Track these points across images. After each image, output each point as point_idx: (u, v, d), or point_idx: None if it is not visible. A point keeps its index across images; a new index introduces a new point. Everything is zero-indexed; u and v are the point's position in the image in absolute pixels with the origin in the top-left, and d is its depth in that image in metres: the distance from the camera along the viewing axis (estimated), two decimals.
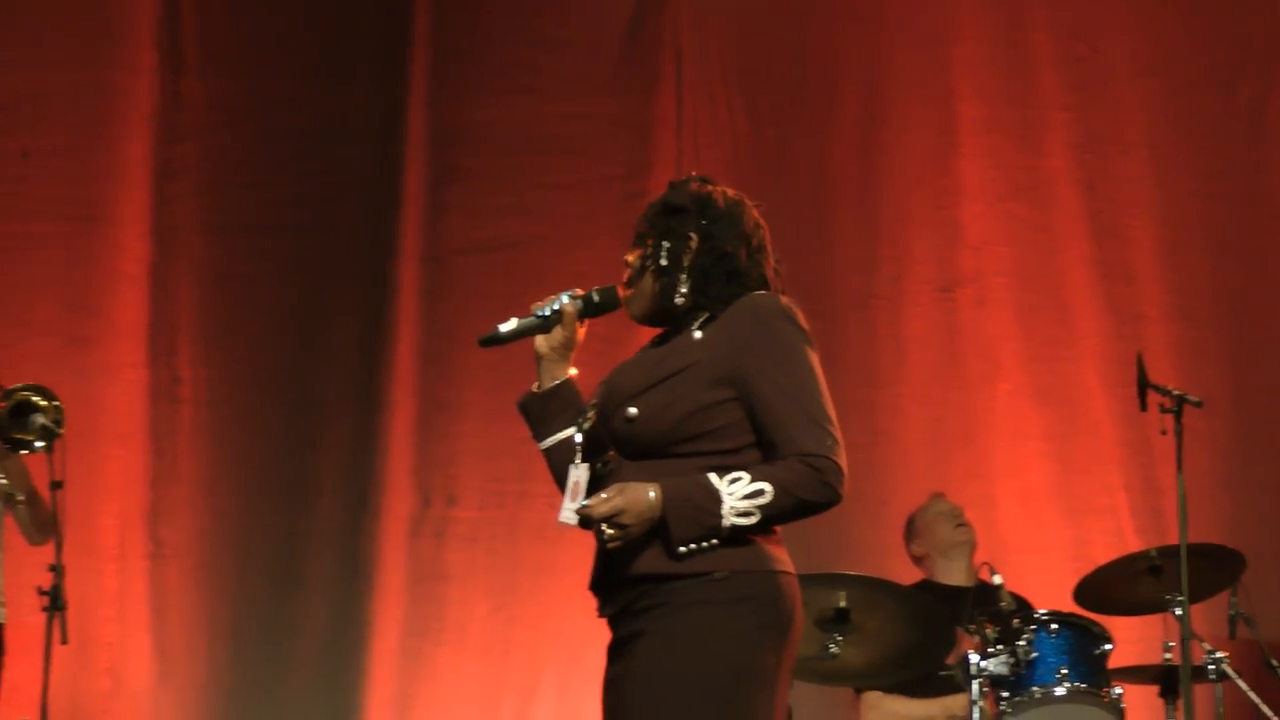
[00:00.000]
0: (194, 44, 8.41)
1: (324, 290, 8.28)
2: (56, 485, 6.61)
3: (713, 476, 3.96)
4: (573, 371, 4.30)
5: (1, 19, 8.37)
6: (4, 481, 6.85)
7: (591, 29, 8.41)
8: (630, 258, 4.25)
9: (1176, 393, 6.56)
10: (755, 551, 3.99)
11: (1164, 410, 6.57)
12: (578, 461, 4.13)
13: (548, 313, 4.26)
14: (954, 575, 7.10)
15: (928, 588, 7.01)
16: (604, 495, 3.94)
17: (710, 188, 4.29)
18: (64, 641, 6.58)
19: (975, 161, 8.27)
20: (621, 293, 4.27)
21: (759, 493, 3.94)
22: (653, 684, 3.95)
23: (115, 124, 8.36)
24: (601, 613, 4.12)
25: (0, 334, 7.54)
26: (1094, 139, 8.31)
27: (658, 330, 4.29)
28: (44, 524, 6.93)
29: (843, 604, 6.23)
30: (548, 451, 4.26)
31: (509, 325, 4.28)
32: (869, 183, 8.31)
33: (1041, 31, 8.36)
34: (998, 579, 6.52)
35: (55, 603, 6.58)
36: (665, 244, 4.19)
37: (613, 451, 4.13)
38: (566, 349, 4.29)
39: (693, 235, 4.19)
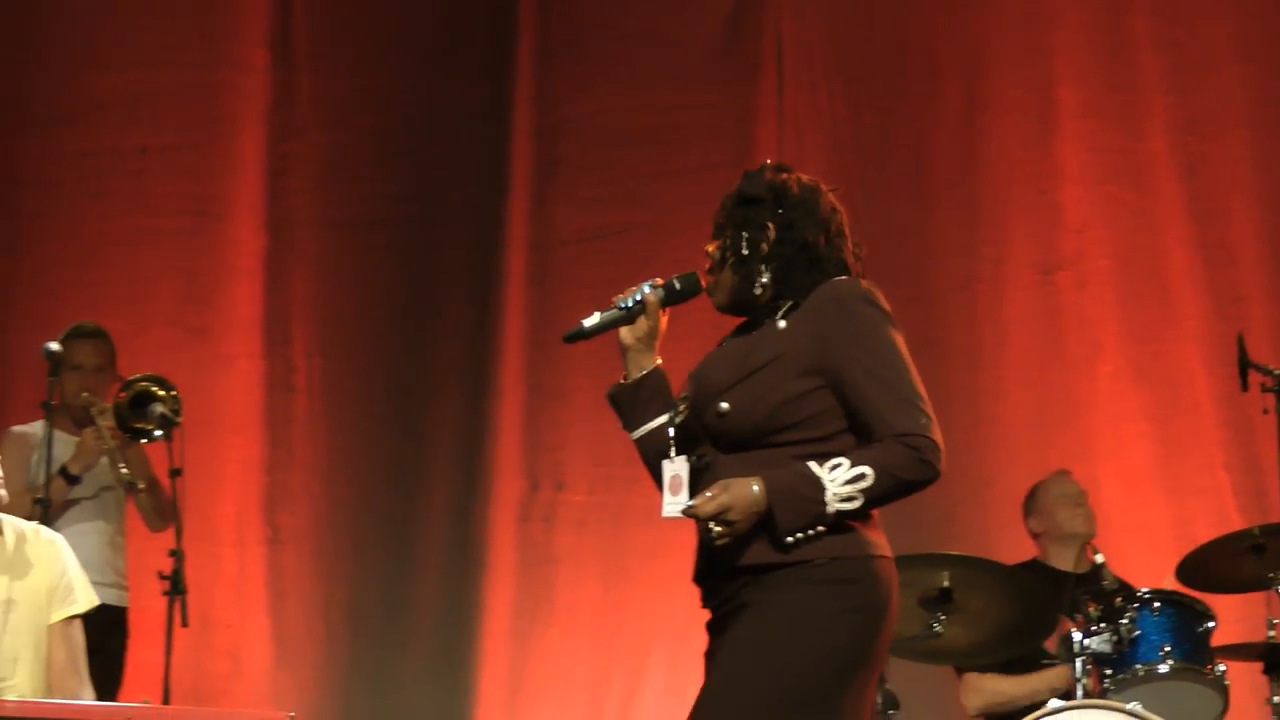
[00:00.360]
0: (305, 41, 8.50)
1: (433, 281, 8.35)
2: (176, 473, 6.70)
3: (813, 465, 3.97)
4: (658, 360, 4.28)
5: (118, 20, 8.46)
6: (125, 470, 6.94)
7: (693, 21, 8.43)
8: (710, 248, 4.24)
9: (1277, 372, 6.54)
10: (854, 538, 4.02)
11: (1265, 390, 6.55)
12: (673, 455, 4.14)
13: (630, 304, 4.24)
14: (1065, 560, 7.02)
15: (1035, 567, 6.96)
16: (709, 494, 3.95)
17: (785, 175, 4.26)
18: (184, 624, 6.66)
19: (1075, 145, 8.24)
20: (703, 280, 4.26)
21: (860, 477, 3.96)
22: (749, 658, 3.97)
23: (230, 121, 8.45)
24: (705, 605, 4.14)
25: (120, 326, 7.59)
26: (1194, 122, 8.26)
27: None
28: (164, 511, 7.02)
29: (946, 584, 6.26)
30: (639, 441, 4.25)
31: (592, 320, 4.27)
32: (970, 167, 8.30)
33: (1140, 16, 8.31)
34: (1100, 558, 6.52)
35: (176, 587, 6.65)
36: (744, 234, 4.18)
37: (707, 445, 4.14)
38: (651, 338, 4.27)
39: (770, 225, 4.18)
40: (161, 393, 6.88)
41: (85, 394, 6.91)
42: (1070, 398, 8.11)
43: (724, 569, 4.04)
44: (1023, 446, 7.99)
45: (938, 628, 6.24)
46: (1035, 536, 7.15)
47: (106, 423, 6.88)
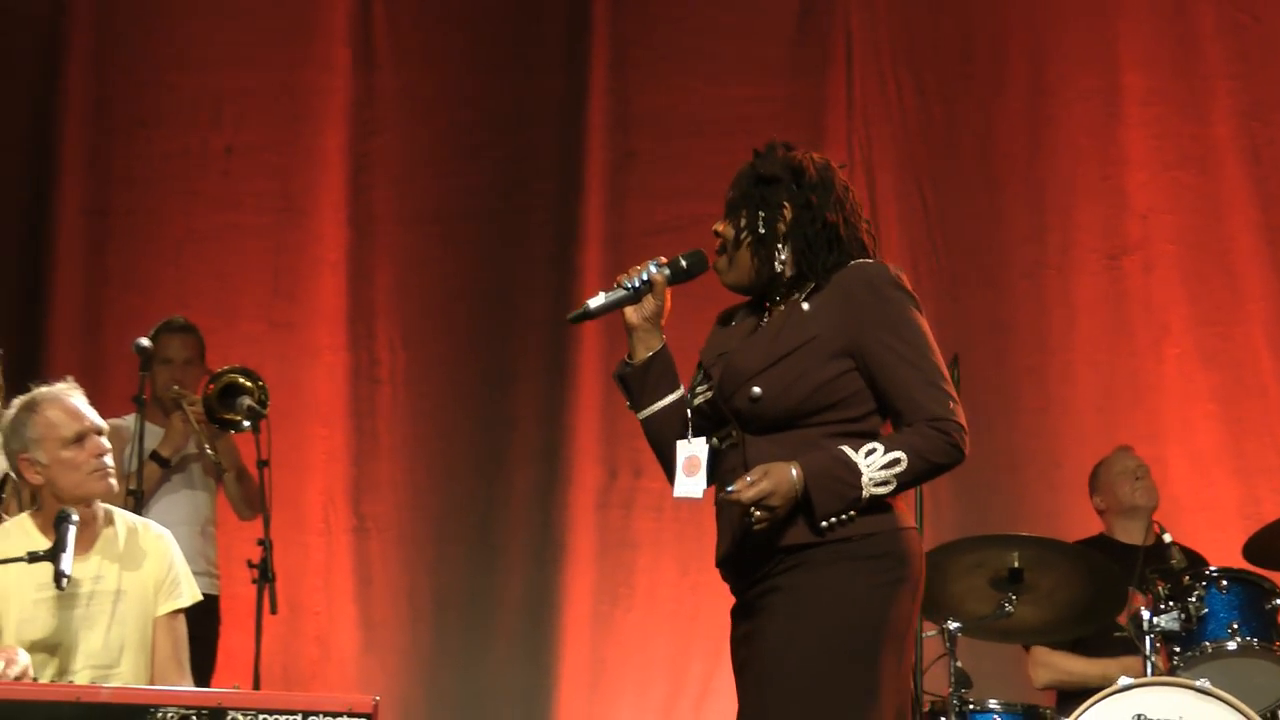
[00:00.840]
0: (385, 41, 8.54)
1: (512, 272, 8.37)
2: (263, 464, 6.75)
3: (848, 449, 4.01)
4: (664, 339, 4.28)
5: (204, 23, 8.55)
6: (212, 452, 7.02)
7: (764, 15, 8.43)
8: (720, 227, 4.22)
9: None
10: (887, 513, 4.08)
11: None
12: (690, 437, 4.16)
13: (637, 284, 4.23)
14: (1130, 534, 7.04)
15: (1102, 543, 6.99)
16: (750, 479, 3.96)
17: (799, 154, 4.25)
18: (273, 611, 6.69)
19: (1141, 131, 8.22)
20: (711, 260, 4.25)
21: (895, 462, 4.02)
22: (793, 639, 4.01)
23: (313, 119, 8.52)
24: (734, 586, 4.16)
25: (208, 321, 7.67)
26: (1259, 107, 8.22)
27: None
28: (252, 500, 7.11)
29: (1016, 564, 6.31)
30: (647, 420, 4.27)
31: (598, 300, 4.25)
32: (1037, 154, 8.28)
33: (1204, 2, 8.29)
34: (1168, 537, 6.54)
35: (265, 575, 6.69)
36: (760, 214, 4.16)
37: (732, 426, 4.14)
38: (658, 318, 4.26)
39: (787, 204, 4.17)
40: (249, 384, 6.96)
41: (175, 387, 7.01)
42: (1138, 380, 8.10)
43: (757, 551, 4.07)
44: (1091, 428, 7.96)
45: (1009, 607, 6.27)
46: (1100, 513, 7.18)
47: (195, 410, 6.98)
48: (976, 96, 8.37)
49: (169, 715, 4.27)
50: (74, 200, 8.45)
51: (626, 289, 4.24)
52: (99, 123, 8.53)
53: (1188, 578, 6.32)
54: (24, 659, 4.62)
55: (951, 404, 4.13)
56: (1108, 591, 6.39)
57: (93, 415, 5.12)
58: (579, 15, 8.50)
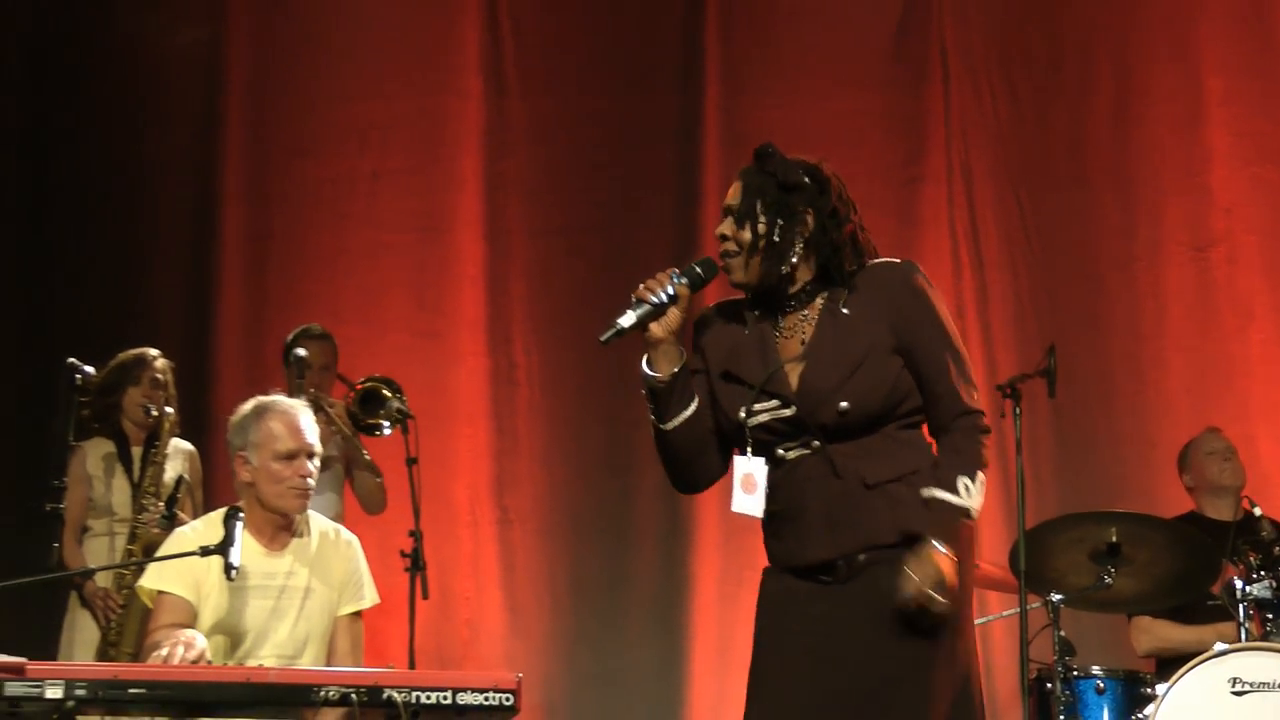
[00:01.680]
0: (513, 69, 8.60)
1: (635, 281, 8.35)
2: (411, 461, 6.85)
3: (947, 495, 4.00)
4: (682, 351, 4.13)
5: (350, 59, 8.64)
6: (346, 434, 7.11)
7: (864, 32, 8.41)
8: (727, 230, 4.09)
9: None
10: None
11: None
12: (750, 455, 4.05)
13: (664, 298, 4.06)
14: (1220, 511, 6.98)
15: (1194, 520, 6.92)
16: (916, 578, 3.91)
17: (808, 160, 4.15)
18: (425, 597, 6.80)
19: (1222, 130, 8.14)
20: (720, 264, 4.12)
21: (982, 482, 4.06)
22: (893, 625, 3.99)
23: (450, 143, 8.59)
24: (825, 579, 4.05)
25: (359, 332, 7.76)
26: None
27: None
28: (380, 498, 7.27)
29: (1114, 539, 6.28)
30: (671, 432, 4.11)
31: (628, 319, 4.05)
32: (1124, 155, 8.21)
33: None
34: (1258, 510, 6.47)
35: (416, 564, 6.79)
36: (780, 221, 4.05)
37: (810, 439, 4.04)
38: (680, 330, 4.10)
39: (810, 212, 4.07)
40: (389, 393, 7.05)
41: (312, 390, 7.05)
42: (1226, 364, 8.02)
43: (851, 549, 4.04)
44: (1183, 410, 7.89)
45: (1108, 580, 6.25)
46: (1190, 490, 7.12)
47: (337, 412, 7.06)
48: (1066, 102, 8.31)
49: (330, 694, 4.29)
50: (236, 225, 8.57)
51: (653, 304, 4.07)
52: (256, 153, 8.64)
53: (1278, 549, 6.25)
54: (201, 643, 4.68)
55: (977, 394, 4.14)
56: (1201, 563, 6.36)
57: (311, 438, 5.14)
58: (693, 39, 8.51)
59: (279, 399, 5.23)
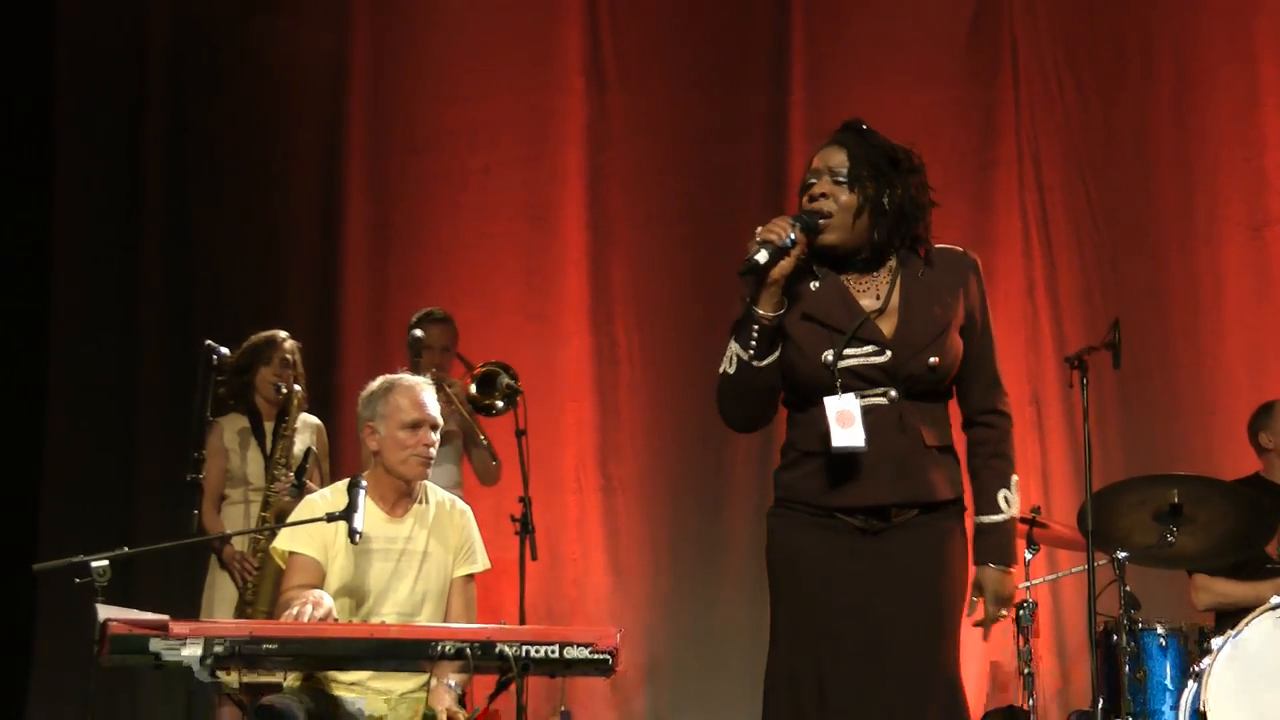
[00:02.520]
0: (613, 67, 8.60)
1: (729, 265, 8.34)
2: (521, 433, 6.89)
3: (1004, 512, 4.09)
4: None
5: (461, 63, 8.67)
6: (477, 427, 7.17)
7: (939, 28, 8.34)
8: (826, 190, 4.02)
9: None
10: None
11: None
12: (841, 393, 3.97)
13: (788, 242, 3.94)
14: None
15: (1256, 482, 6.82)
16: (989, 606, 4.07)
17: (896, 144, 4.13)
18: (534, 558, 6.81)
19: (1277, 116, 8.03)
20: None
21: (1015, 483, 4.15)
22: (930, 585, 4.02)
23: (555, 139, 8.61)
24: (865, 527, 4.02)
25: (473, 315, 7.79)
26: None
27: None
28: (494, 472, 7.28)
29: (1176, 500, 6.22)
30: (762, 369, 3.99)
31: (763, 255, 3.92)
32: (1184, 140, 8.12)
33: None
34: None
35: (525, 527, 6.81)
36: (887, 191, 4.03)
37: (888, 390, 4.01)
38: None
39: (899, 186, 4.05)
40: (503, 375, 7.09)
41: (434, 369, 7.10)
42: None
43: (910, 499, 4.03)
44: (1241, 379, 7.81)
45: (1170, 539, 6.19)
46: (1264, 451, 6.94)
47: (455, 391, 7.12)
48: (1129, 91, 8.22)
49: (447, 648, 4.34)
50: (358, 217, 8.64)
51: (780, 246, 3.94)
52: (377, 150, 8.70)
53: None
54: (328, 602, 4.73)
55: (1003, 381, 4.21)
56: (1259, 523, 6.31)
57: (433, 411, 5.20)
58: (779, 38, 8.47)
59: (405, 376, 5.31)
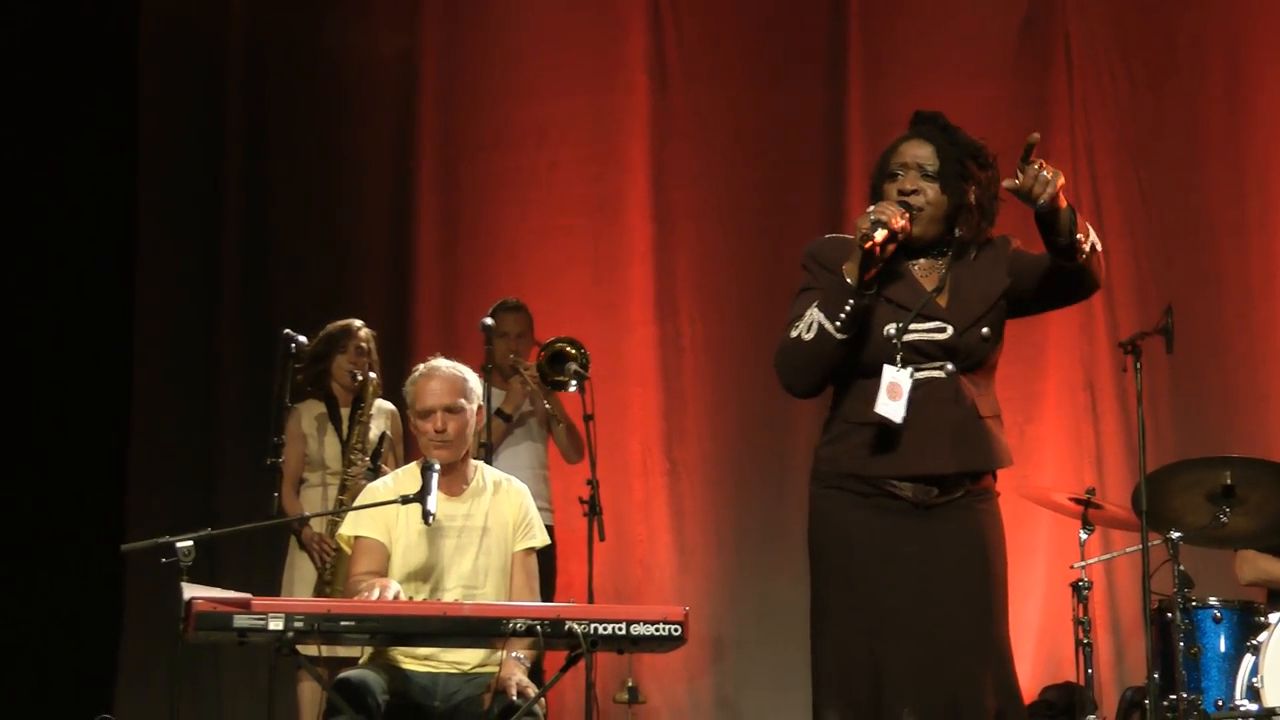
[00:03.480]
0: (676, 64, 8.57)
1: (790, 258, 8.27)
2: (589, 418, 6.85)
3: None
4: None
5: (529, 63, 8.66)
6: (549, 405, 7.16)
7: (992, 23, 8.26)
8: (915, 186, 4.00)
9: None
10: None
11: None
12: (900, 365, 3.95)
13: (900, 225, 3.92)
14: None
15: None
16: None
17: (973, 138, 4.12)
18: (601, 539, 6.77)
19: None
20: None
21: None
22: (981, 565, 3.99)
23: (620, 135, 8.58)
24: (928, 500, 3.98)
25: (542, 305, 7.76)
26: None
27: None
28: (578, 447, 7.22)
29: (1229, 481, 6.15)
30: (843, 341, 3.94)
31: (880, 233, 3.88)
32: (1235, 133, 7.99)
33: None
34: None
35: (593, 509, 6.78)
36: (967, 187, 4.02)
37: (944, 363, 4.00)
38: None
39: (974, 183, 4.04)
40: (573, 351, 7.06)
41: (511, 355, 7.16)
42: None
43: (968, 468, 4.00)
44: None
45: (1223, 518, 6.12)
46: None
47: (530, 373, 7.11)
48: (1180, 84, 8.10)
49: (518, 626, 4.36)
50: (430, 212, 8.65)
51: (894, 230, 3.91)
52: (447, 148, 8.71)
53: None
54: (395, 588, 4.75)
55: None
56: None
57: (444, 396, 5.15)
58: (837, 35, 8.41)
59: (433, 363, 5.31)
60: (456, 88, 8.73)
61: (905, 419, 3.93)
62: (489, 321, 6.95)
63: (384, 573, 5.00)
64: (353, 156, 8.77)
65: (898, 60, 8.34)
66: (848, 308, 3.93)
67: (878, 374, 3.96)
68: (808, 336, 3.98)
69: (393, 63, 8.79)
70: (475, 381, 5.28)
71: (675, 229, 8.50)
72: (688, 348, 8.42)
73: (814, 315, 3.98)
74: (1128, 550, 6.70)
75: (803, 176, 8.43)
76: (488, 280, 8.38)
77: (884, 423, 3.92)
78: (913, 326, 3.98)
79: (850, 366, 4.03)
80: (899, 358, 3.95)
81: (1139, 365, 6.00)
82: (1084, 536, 6.67)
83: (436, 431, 5.13)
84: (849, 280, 3.93)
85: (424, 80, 8.72)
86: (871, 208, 3.96)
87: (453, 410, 5.15)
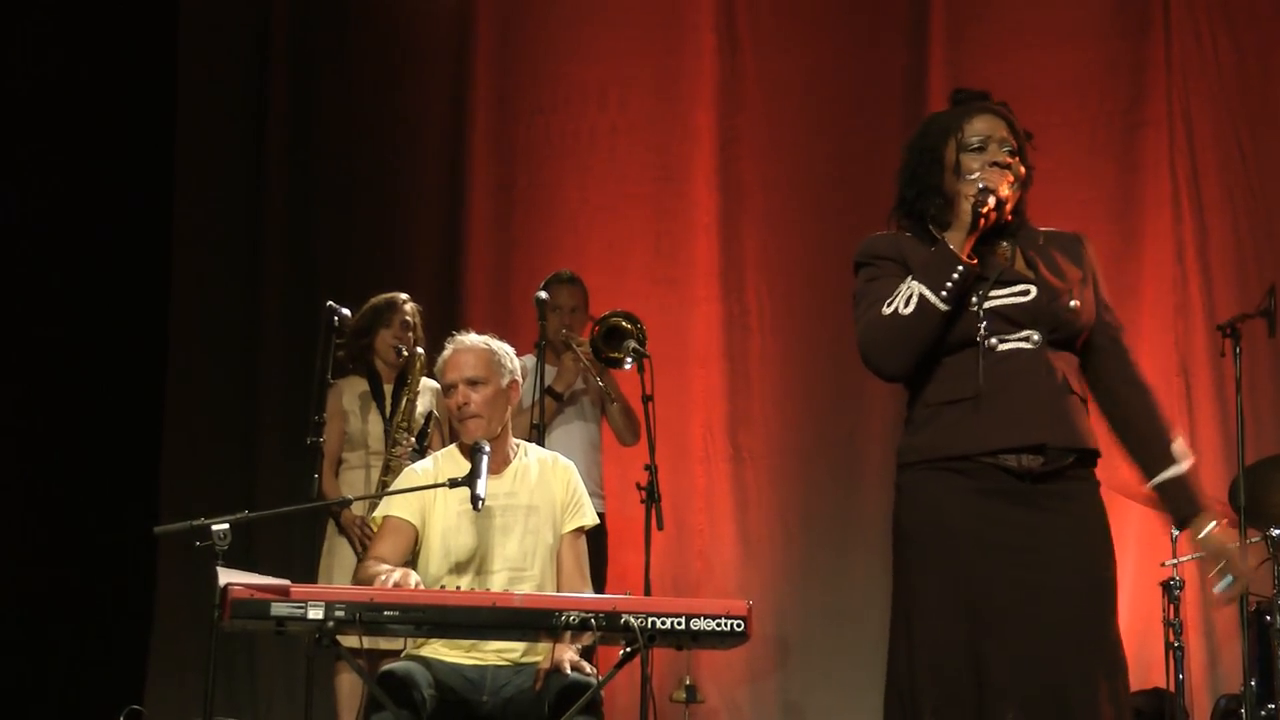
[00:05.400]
0: (746, 26, 8.55)
1: (865, 233, 8.18)
2: (647, 399, 6.81)
3: (1183, 466, 4.05)
4: None
5: (590, 22, 8.68)
6: (602, 383, 7.15)
7: None
8: (1004, 160, 4.00)
9: None
10: None
11: None
12: (986, 336, 3.93)
13: (1006, 192, 3.95)
14: None
15: None
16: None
17: None
18: (660, 527, 6.74)
19: None
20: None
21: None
22: (1091, 553, 3.95)
23: (685, 99, 8.57)
24: (1035, 469, 3.92)
25: (601, 280, 7.77)
26: None
27: None
28: (634, 427, 7.22)
29: None
30: (943, 315, 3.91)
31: (993, 200, 3.91)
32: None
33: None
34: None
35: (651, 495, 6.75)
36: (1026, 164, 4.05)
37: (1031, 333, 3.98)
38: None
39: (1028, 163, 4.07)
40: (630, 326, 7.04)
41: (564, 330, 7.15)
42: None
43: (1066, 442, 3.96)
44: None
45: None
46: None
47: (583, 350, 7.10)
48: None
49: (571, 618, 4.33)
50: (484, 179, 8.67)
51: (1000, 197, 3.95)
52: (502, 111, 8.73)
53: None
54: (415, 578, 4.71)
55: None
56: None
57: (465, 369, 5.15)
58: None
59: (460, 337, 5.29)
60: (513, 46, 8.76)
61: (995, 390, 3.91)
62: (543, 295, 6.93)
63: (406, 556, 4.99)
64: (402, 119, 8.80)
65: (983, 21, 8.28)
66: (955, 276, 3.91)
67: (961, 350, 3.95)
68: (905, 310, 3.94)
69: (446, 19, 8.81)
70: (508, 355, 5.25)
71: (743, 201, 8.49)
72: (754, 326, 8.41)
73: (912, 288, 3.95)
74: None
75: (880, 146, 8.28)
76: (543, 251, 8.40)
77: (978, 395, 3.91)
78: (995, 292, 3.97)
79: (934, 346, 4.00)
80: (982, 326, 3.93)
81: (1238, 349, 5.96)
82: (1176, 533, 6.63)
83: (459, 406, 5.13)
84: (958, 251, 3.94)
85: (479, 38, 8.75)
86: (974, 174, 3.97)
87: (475, 382, 5.13)
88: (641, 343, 6.95)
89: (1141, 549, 7.35)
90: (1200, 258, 7.95)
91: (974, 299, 3.95)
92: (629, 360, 6.94)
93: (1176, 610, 6.45)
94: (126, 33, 8.50)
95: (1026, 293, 3.98)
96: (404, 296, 7.00)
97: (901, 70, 8.38)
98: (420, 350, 6.85)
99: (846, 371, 8.15)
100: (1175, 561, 6.58)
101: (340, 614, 4.24)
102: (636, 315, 7.08)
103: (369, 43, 8.82)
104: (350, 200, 8.73)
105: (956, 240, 3.94)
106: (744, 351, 8.39)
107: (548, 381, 7.00)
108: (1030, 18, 8.23)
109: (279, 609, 4.23)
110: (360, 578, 4.88)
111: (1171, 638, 6.45)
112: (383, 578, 4.64)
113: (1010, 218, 4.03)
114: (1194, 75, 8.06)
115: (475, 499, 4.79)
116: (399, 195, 8.73)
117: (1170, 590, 6.47)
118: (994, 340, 3.95)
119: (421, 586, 4.70)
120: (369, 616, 4.26)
